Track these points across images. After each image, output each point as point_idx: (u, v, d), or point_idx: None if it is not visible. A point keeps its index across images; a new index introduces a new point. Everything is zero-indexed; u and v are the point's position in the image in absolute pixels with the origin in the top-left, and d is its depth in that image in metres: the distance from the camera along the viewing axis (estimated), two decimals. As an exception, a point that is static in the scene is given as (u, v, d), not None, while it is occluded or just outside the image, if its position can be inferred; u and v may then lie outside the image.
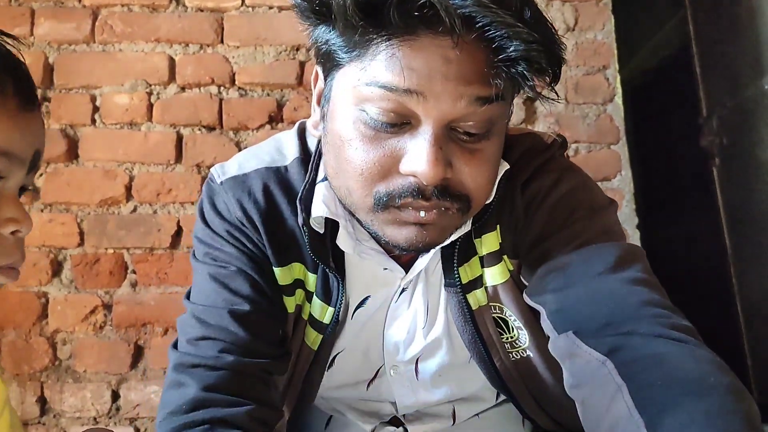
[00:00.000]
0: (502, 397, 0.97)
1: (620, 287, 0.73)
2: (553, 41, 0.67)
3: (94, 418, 1.75)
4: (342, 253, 0.84)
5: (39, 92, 0.65)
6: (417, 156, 0.67)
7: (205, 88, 1.83)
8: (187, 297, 0.86)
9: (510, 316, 0.86)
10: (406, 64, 0.65)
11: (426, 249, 0.75)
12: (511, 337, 0.87)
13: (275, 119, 1.84)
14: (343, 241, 0.81)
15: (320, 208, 0.79)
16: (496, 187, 0.79)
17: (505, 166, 0.81)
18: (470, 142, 0.70)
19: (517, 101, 1.86)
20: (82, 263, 1.78)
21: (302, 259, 0.86)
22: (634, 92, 2.27)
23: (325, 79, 0.75)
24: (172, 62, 1.84)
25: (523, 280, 0.84)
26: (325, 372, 0.91)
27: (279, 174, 0.86)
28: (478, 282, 0.85)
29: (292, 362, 0.90)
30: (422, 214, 0.70)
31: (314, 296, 0.86)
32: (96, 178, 1.79)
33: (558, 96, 0.73)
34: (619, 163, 1.89)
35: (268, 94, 1.84)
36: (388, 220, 0.72)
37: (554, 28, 0.69)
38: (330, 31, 0.69)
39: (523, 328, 0.86)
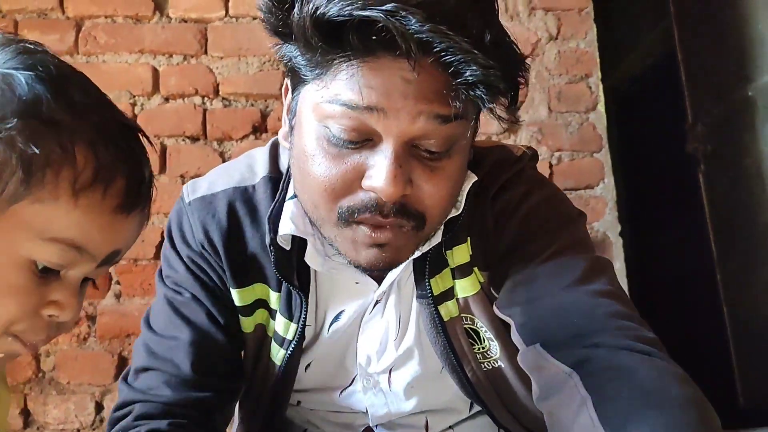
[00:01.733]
0: (476, 409, 0.97)
1: (587, 299, 0.74)
2: (512, 65, 0.68)
3: (78, 430, 1.75)
4: (307, 270, 0.85)
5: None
6: (377, 173, 0.68)
7: (189, 99, 1.84)
8: (146, 320, 0.89)
9: (481, 327, 0.86)
10: (365, 83, 0.66)
11: (387, 269, 0.76)
12: (483, 348, 0.87)
13: (259, 129, 1.84)
14: (311, 258, 0.81)
15: (287, 226, 0.80)
16: (464, 199, 0.80)
17: (472, 179, 0.82)
18: (431, 159, 0.70)
19: (501, 110, 1.87)
20: (66, 274, 1.77)
21: (264, 279, 0.86)
22: (618, 100, 2.28)
23: (292, 93, 0.76)
24: (156, 73, 1.84)
25: (493, 292, 0.84)
26: (303, 373, 0.91)
27: (246, 194, 0.87)
28: (449, 294, 0.85)
29: (260, 378, 0.90)
30: (377, 234, 0.71)
31: (277, 314, 0.87)
32: (80, 189, 1.79)
33: (518, 119, 0.75)
34: (602, 171, 1.90)
35: (252, 105, 1.85)
36: (349, 238, 0.73)
37: (517, 51, 0.70)
38: (294, 49, 0.70)
39: (494, 339, 0.86)
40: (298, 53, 0.70)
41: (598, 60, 1.95)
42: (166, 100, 1.84)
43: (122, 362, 1.77)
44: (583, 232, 0.86)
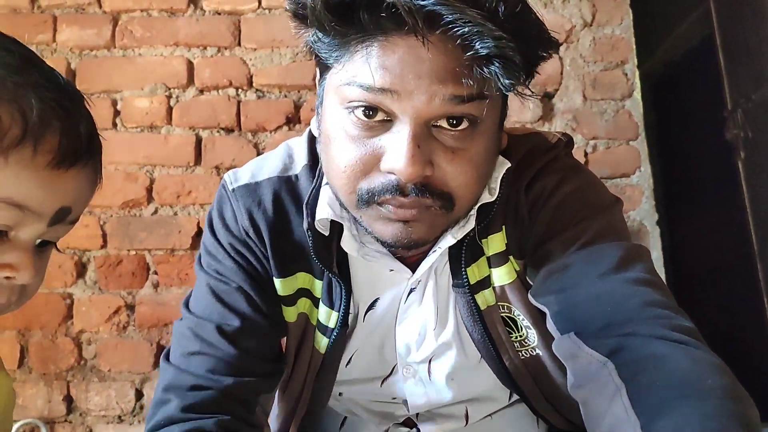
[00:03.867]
0: (515, 397, 0.96)
1: (622, 288, 0.73)
2: (530, 37, 0.67)
3: (119, 417, 1.79)
4: (347, 257, 0.85)
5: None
6: (395, 154, 0.68)
7: (223, 91, 1.86)
8: (186, 304, 0.88)
9: (518, 315, 0.86)
10: (379, 63, 0.67)
11: (414, 245, 0.76)
12: (520, 336, 0.87)
13: (292, 120, 1.85)
14: (347, 243, 0.81)
15: (324, 211, 0.80)
16: (498, 186, 0.79)
17: (505, 165, 0.81)
18: (453, 139, 0.70)
19: (535, 99, 1.85)
20: (106, 265, 1.81)
21: (308, 268, 0.87)
22: (654, 87, 2.24)
23: (320, 80, 0.77)
24: (190, 65, 1.86)
25: (528, 280, 0.84)
26: (344, 368, 0.92)
27: (290, 183, 0.87)
28: (485, 282, 0.85)
29: (303, 367, 0.91)
30: (401, 211, 0.71)
31: (320, 302, 0.87)
32: (118, 181, 1.82)
33: (533, 93, 0.73)
34: (639, 159, 1.87)
35: (285, 96, 1.86)
36: (373, 216, 0.73)
37: (539, 23, 0.69)
38: (312, 34, 0.71)
39: (531, 327, 0.86)
40: (316, 38, 0.71)
41: (634, 46, 1.92)
42: (201, 92, 1.86)
43: (160, 351, 1.80)
44: (619, 219, 0.85)
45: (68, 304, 1.80)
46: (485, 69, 0.64)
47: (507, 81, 0.65)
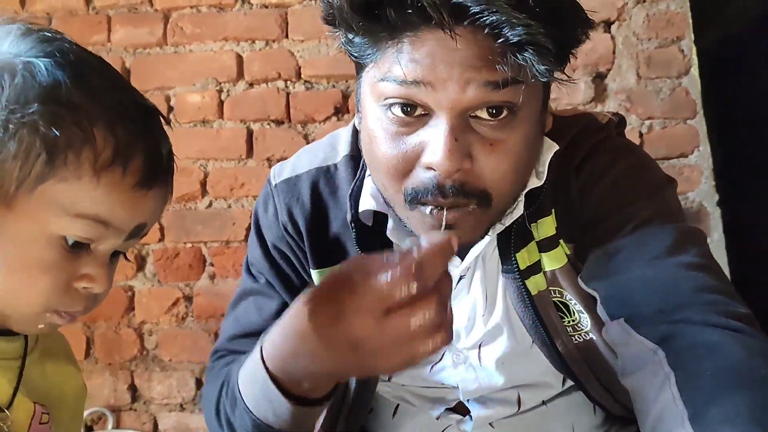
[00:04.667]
0: (569, 384, 0.95)
1: (674, 273, 0.71)
2: (563, 21, 0.65)
3: (180, 405, 1.84)
4: (391, 246, 0.85)
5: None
6: (434, 148, 0.68)
7: (272, 83, 1.88)
8: (232, 302, 0.94)
9: (570, 299, 0.84)
10: (410, 57, 0.67)
11: (461, 249, 0.76)
12: (573, 321, 0.85)
13: (341, 110, 1.86)
14: (393, 232, 0.82)
15: (368, 202, 0.81)
16: (546, 170, 0.78)
17: (553, 148, 0.80)
18: (492, 130, 0.69)
19: (587, 79, 1.81)
20: (164, 258, 1.86)
21: (347, 257, 0.88)
22: (712, 63, 2.15)
23: (357, 79, 0.78)
24: (240, 59, 1.89)
25: (579, 264, 0.82)
26: None
27: (328, 173, 0.89)
28: (536, 267, 0.84)
29: None
30: (443, 214, 0.71)
31: None
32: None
33: (569, 78, 0.73)
34: (697, 138, 1.81)
35: (333, 86, 1.86)
36: (419, 220, 0.73)
37: (573, 5, 0.68)
38: (343, 35, 0.72)
39: (584, 311, 0.84)
40: (347, 38, 0.71)
41: (690, 21, 1.85)
42: (251, 85, 1.88)
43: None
44: (673, 200, 0.83)
45: (129, 296, 1.86)
46: (518, 56, 0.64)
47: (541, 67, 0.64)
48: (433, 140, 0.68)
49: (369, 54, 0.71)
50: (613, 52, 1.83)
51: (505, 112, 0.69)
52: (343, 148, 0.90)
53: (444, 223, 0.71)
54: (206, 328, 1.84)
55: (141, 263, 1.87)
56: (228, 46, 1.89)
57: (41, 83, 0.57)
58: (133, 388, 1.85)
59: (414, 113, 0.69)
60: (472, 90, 0.66)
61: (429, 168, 0.69)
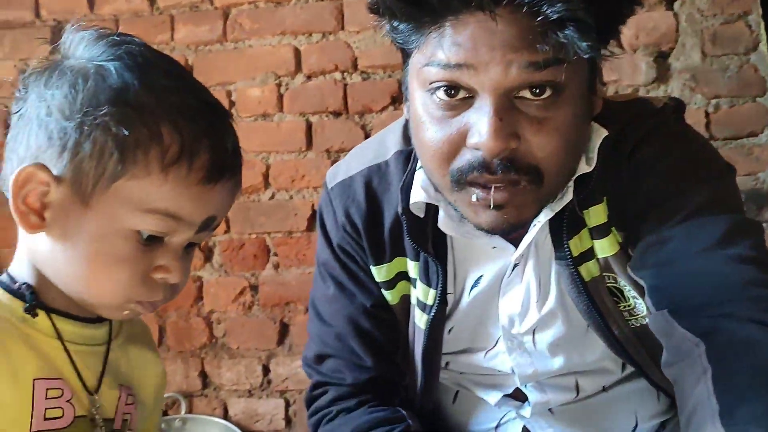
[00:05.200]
0: (629, 370, 0.94)
1: (723, 265, 0.70)
2: None
3: (249, 391, 1.90)
4: (443, 237, 0.86)
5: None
6: (479, 129, 0.69)
7: (330, 75, 1.90)
8: (313, 304, 0.98)
9: (624, 285, 0.84)
10: (452, 41, 0.68)
11: (512, 229, 0.76)
12: (628, 306, 0.85)
13: (398, 100, 1.87)
14: (444, 224, 0.82)
15: (419, 194, 0.82)
16: (596, 156, 0.78)
17: (602, 134, 0.79)
18: (537, 109, 0.69)
19: (648, 60, 1.77)
20: (230, 248, 1.92)
21: (403, 251, 0.90)
22: (783, 37, 2.06)
23: (403, 67, 0.79)
24: (297, 53, 1.92)
25: (630, 252, 0.81)
26: (447, 339, 0.94)
27: (380, 171, 0.91)
28: (588, 254, 0.84)
29: (411, 344, 0.94)
30: (491, 195, 0.71)
31: (417, 281, 0.90)
32: (236, 169, 1.91)
33: (612, 53, 0.73)
34: (766, 116, 1.74)
35: (390, 76, 1.87)
36: (467, 202, 0.74)
37: None
38: (387, 23, 0.73)
39: (638, 297, 0.83)
40: (392, 26, 0.72)
41: (758, -6, 1.78)
42: (309, 78, 1.91)
43: (283, 328, 1.89)
44: (730, 189, 0.80)
45: (198, 286, 1.93)
46: (559, 34, 0.64)
47: (583, 44, 0.64)
48: (479, 121, 0.69)
49: (413, 40, 0.72)
50: (676, 30, 1.77)
51: (549, 91, 0.69)
52: (393, 145, 0.91)
53: (492, 203, 0.72)
54: (272, 316, 1.90)
55: (208, 254, 1.93)
56: (285, 40, 1.92)
57: (111, 85, 0.61)
58: (203, 375, 1.93)
59: (458, 96, 0.70)
60: (515, 71, 0.67)
61: (476, 149, 0.70)
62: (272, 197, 1.91)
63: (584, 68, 0.73)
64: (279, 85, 1.92)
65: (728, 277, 0.69)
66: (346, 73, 1.89)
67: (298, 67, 1.91)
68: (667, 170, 0.79)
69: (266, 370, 1.90)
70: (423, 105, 0.74)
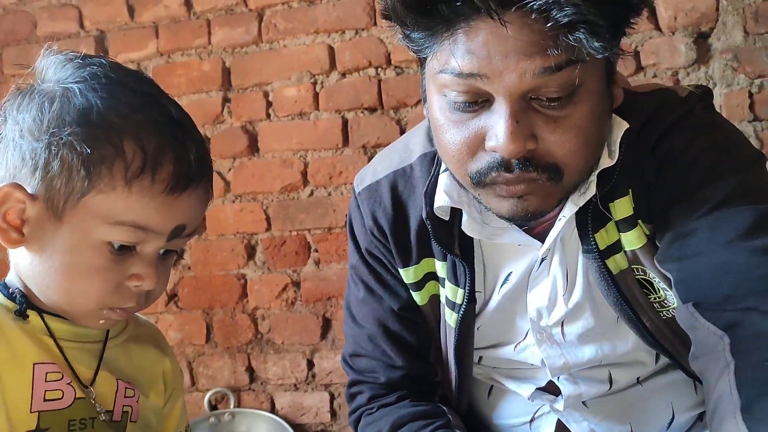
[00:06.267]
0: (663, 361, 0.93)
1: (748, 257, 0.69)
2: None
3: (294, 385, 1.94)
4: (470, 238, 0.87)
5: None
6: (496, 133, 0.69)
7: (364, 72, 1.91)
8: (347, 305, 1.00)
9: (654, 278, 0.83)
10: (466, 49, 0.68)
11: (532, 217, 0.76)
12: (659, 297, 0.84)
13: (432, 93, 1.86)
14: (468, 227, 0.84)
15: (442, 198, 0.84)
16: (617, 148, 0.78)
17: (623, 126, 0.78)
18: (553, 109, 0.70)
19: (688, 41, 1.72)
20: (271, 246, 1.96)
21: (430, 253, 0.91)
22: (831, 11, 1.98)
23: (421, 71, 0.80)
24: (331, 51, 1.93)
25: (658, 244, 0.80)
26: (477, 334, 0.95)
27: (405, 175, 0.92)
28: (616, 247, 0.83)
29: (444, 343, 0.96)
30: (512, 187, 0.72)
31: (446, 281, 0.91)
32: (275, 168, 1.95)
33: (624, 52, 0.73)
34: (814, 95, 1.68)
35: (423, 69, 1.87)
36: (489, 194, 0.75)
37: None
38: (401, 31, 0.74)
39: (668, 289, 0.82)
40: (404, 34, 0.73)
41: (803, -32, 1.71)
42: (343, 75, 1.92)
43: (326, 323, 1.92)
44: (760, 178, 0.79)
45: (242, 283, 1.97)
46: (570, 37, 0.63)
47: (596, 44, 0.64)
48: (495, 125, 0.70)
49: (427, 47, 0.73)
50: (716, 9, 1.72)
51: (564, 92, 0.69)
52: (417, 148, 0.92)
53: (513, 194, 0.73)
54: (314, 311, 1.93)
55: (251, 252, 1.97)
56: (319, 38, 1.94)
57: (75, 106, 0.65)
58: (250, 370, 1.97)
59: (474, 101, 0.71)
60: (529, 77, 0.67)
61: (493, 151, 0.71)
62: (311, 194, 1.94)
63: (600, 65, 0.72)
64: (314, 84, 1.94)
65: (753, 269, 0.68)
66: (380, 69, 1.90)
67: (333, 64, 1.93)
68: (692, 161, 0.78)
69: (311, 364, 1.94)
70: (440, 109, 0.75)
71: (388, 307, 0.95)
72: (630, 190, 0.81)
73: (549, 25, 0.63)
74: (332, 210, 1.92)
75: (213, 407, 1.98)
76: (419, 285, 0.93)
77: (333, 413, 1.93)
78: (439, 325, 0.95)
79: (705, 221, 0.74)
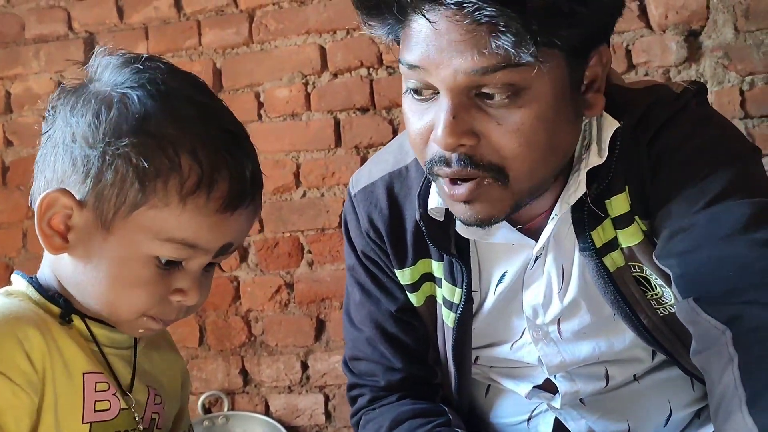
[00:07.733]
0: (660, 358, 0.93)
1: (748, 250, 0.69)
2: (538, 2, 0.64)
3: (288, 387, 1.93)
4: (463, 240, 0.87)
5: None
6: (436, 125, 0.71)
7: (356, 72, 1.91)
8: (346, 309, 1.00)
9: (651, 275, 0.83)
10: (410, 43, 0.71)
11: (484, 224, 0.77)
12: (656, 294, 0.84)
13: (424, 93, 1.86)
14: (461, 227, 0.84)
15: (434, 199, 0.84)
16: (607, 147, 0.78)
17: (614, 125, 0.78)
18: (496, 108, 0.70)
19: (678, 39, 1.73)
20: (264, 248, 1.95)
21: (426, 253, 0.91)
22: (820, 8, 1.99)
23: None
24: (323, 51, 1.93)
25: (655, 240, 0.81)
26: (474, 333, 0.95)
27: (401, 176, 0.92)
28: (612, 244, 0.83)
29: (441, 344, 0.96)
30: (454, 189, 0.74)
31: (443, 281, 0.91)
32: (267, 169, 1.89)
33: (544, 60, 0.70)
34: (805, 92, 1.69)
35: (415, 69, 1.87)
36: (442, 191, 0.77)
37: None
38: (363, 21, 0.77)
39: (665, 285, 0.83)
40: (365, 23, 0.77)
41: (792, -35, 1.72)
42: (335, 75, 1.92)
43: (320, 324, 1.92)
44: (755, 172, 0.79)
45: (235, 286, 1.96)
46: (494, 42, 0.65)
47: (520, 51, 0.64)
48: (437, 117, 0.71)
49: (389, 38, 0.76)
50: (707, 7, 1.73)
51: (505, 93, 0.70)
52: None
53: (455, 197, 0.75)
54: (308, 312, 1.92)
55: (244, 254, 1.96)
56: (311, 39, 1.94)
57: (133, 114, 0.63)
58: (244, 373, 1.96)
59: (425, 92, 0.73)
60: (461, 75, 0.68)
61: (434, 143, 0.73)
62: (304, 196, 1.93)
63: (558, 71, 0.71)
64: (306, 84, 1.93)
65: (753, 263, 0.68)
66: (371, 69, 1.90)
67: (324, 65, 1.92)
68: (687, 156, 0.78)
69: (305, 366, 1.93)
70: (405, 98, 0.77)
71: (385, 310, 0.94)
72: (626, 187, 0.81)
73: (466, 22, 0.65)
74: (325, 211, 1.91)
75: (207, 410, 1.97)
76: (415, 286, 0.93)
77: (328, 415, 1.92)
78: (436, 326, 0.95)
79: (703, 216, 0.74)
